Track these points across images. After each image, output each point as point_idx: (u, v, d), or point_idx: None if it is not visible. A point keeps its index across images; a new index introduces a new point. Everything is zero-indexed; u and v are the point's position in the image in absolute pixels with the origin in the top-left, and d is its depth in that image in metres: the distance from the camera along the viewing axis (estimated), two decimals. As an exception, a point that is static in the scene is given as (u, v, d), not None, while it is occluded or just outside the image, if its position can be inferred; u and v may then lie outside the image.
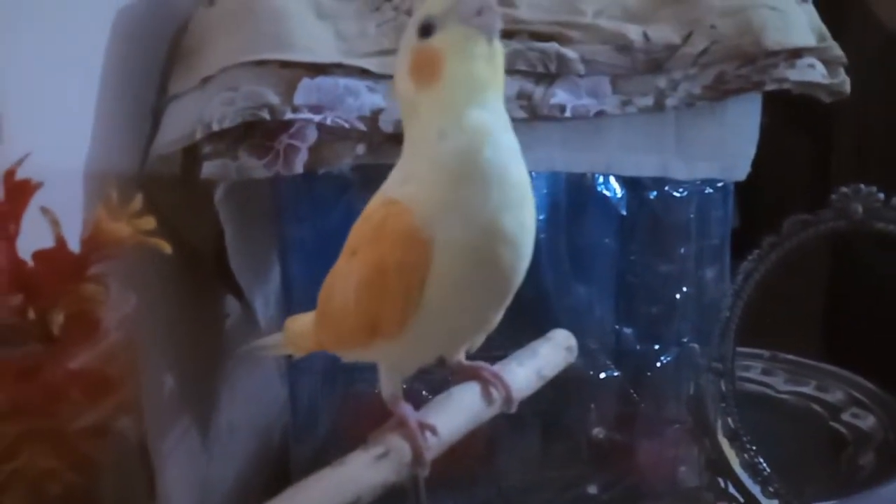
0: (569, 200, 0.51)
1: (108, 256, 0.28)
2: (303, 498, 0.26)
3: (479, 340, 0.32)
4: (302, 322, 0.35)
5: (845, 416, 0.61)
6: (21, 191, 0.27)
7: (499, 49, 0.29)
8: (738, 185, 0.51)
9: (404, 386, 0.32)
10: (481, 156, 0.28)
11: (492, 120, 0.28)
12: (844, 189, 0.48)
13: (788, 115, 0.50)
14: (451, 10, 0.28)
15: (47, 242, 0.28)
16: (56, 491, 0.26)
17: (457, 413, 0.31)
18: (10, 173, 0.27)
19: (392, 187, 0.30)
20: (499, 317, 0.31)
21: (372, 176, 0.47)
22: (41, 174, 0.28)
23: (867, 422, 0.60)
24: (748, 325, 0.51)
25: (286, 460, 0.53)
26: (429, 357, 0.32)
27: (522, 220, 0.29)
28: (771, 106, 0.49)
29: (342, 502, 0.26)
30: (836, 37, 0.49)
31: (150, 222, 0.28)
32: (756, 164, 0.49)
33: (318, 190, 0.48)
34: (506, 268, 0.29)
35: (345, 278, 0.30)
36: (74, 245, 0.29)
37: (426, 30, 0.28)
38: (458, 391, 0.32)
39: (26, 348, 0.26)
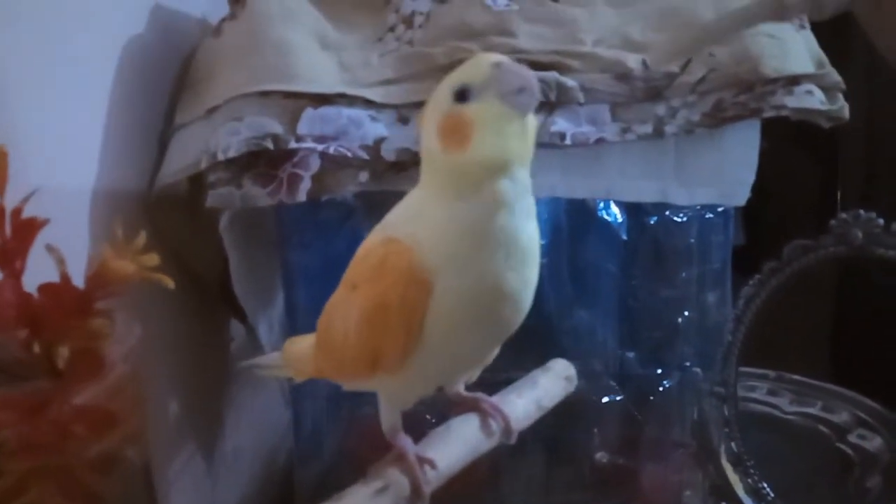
0: (570, 225, 0.51)
1: (113, 292, 0.28)
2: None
3: (476, 373, 0.33)
4: (302, 346, 0.36)
5: (852, 438, 0.60)
6: (28, 228, 0.28)
7: (532, 122, 0.29)
8: (745, 203, 0.51)
9: (409, 408, 0.32)
10: (494, 224, 0.28)
11: (511, 189, 0.28)
12: (844, 215, 0.48)
13: (795, 135, 0.50)
14: (490, 82, 0.27)
15: (51, 275, 0.29)
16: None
17: (456, 445, 0.31)
18: (16, 211, 0.28)
19: (395, 225, 0.30)
20: (495, 352, 0.32)
21: (375, 202, 0.48)
22: (47, 203, 0.29)
23: (874, 443, 0.59)
24: (754, 345, 0.51)
25: (290, 484, 0.53)
26: (428, 390, 0.32)
27: (525, 278, 0.29)
28: (778, 127, 0.49)
29: (342, 536, 0.26)
30: (842, 63, 0.49)
31: (154, 259, 0.28)
32: (763, 183, 0.50)
33: (322, 216, 0.48)
34: (504, 320, 0.29)
35: (345, 311, 0.30)
36: (79, 276, 0.29)
37: (461, 95, 0.28)
38: (456, 423, 0.32)
39: (33, 384, 0.27)
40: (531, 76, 0.28)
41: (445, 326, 0.28)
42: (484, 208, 0.28)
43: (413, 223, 0.29)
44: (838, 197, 0.82)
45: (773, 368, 0.64)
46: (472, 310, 0.28)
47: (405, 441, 0.30)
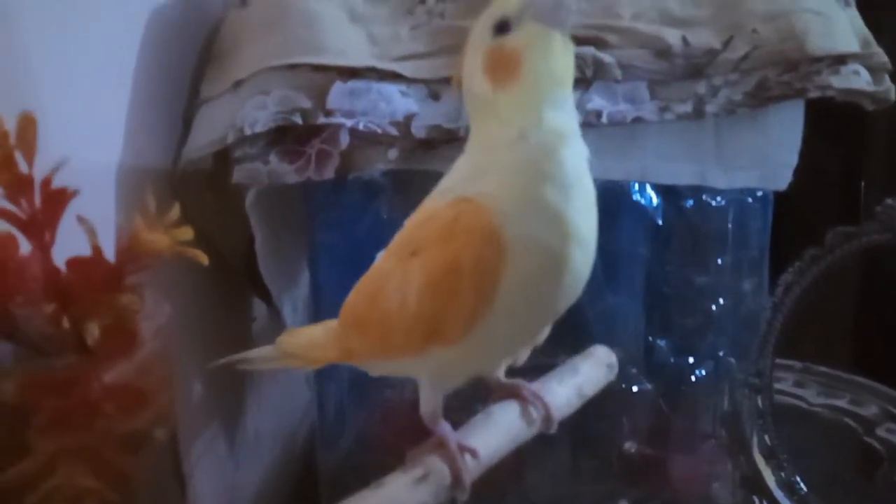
0: (602, 208, 0.50)
1: (144, 267, 0.27)
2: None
3: (525, 354, 0.31)
4: (312, 333, 0.34)
5: (880, 432, 0.59)
6: (57, 199, 0.27)
7: (570, 45, 0.28)
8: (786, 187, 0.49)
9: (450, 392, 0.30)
10: (562, 157, 0.27)
11: (569, 122, 0.28)
12: (890, 201, 0.46)
13: (818, 124, 0.48)
14: (527, 7, 0.28)
15: (80, 249, 0.28)
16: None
17: (496, 434, 0.30)
18: (46, 182, 0.27)
19: (459, 184, 0.29)
20: (548, 329, 0.31)
21: (402, 182, 0.47)
22: (74, 177, 0.28)
23: (903, 438, 0.58)
24: (784, 334, 0.49)
25: (312, 466, 0.52)
26: (481, 366, 0.31)
27: (592, 224, 0.29)
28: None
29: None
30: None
31: (187, 232, 0.27)
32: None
33: (349, 195, 0.47)
34: (576, 269, 0.28)
35: (402, 280, 0.29)
36: (106, 252, 0.28)
37: (502, 28, 0.28)
38: (497, 410, 0.31)
39: (63, 360, 0.26)
40: None
41: (518, 284, 0.27)
42: (548, 141, 0.27)
43: (478, 179, 0.28)
44: (861, 183, 0.81)
45: (799, 359, 0.63)
46: (548, 256, 0.27)
47: (446, 428, 0.29)
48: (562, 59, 0.28)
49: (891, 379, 0.60)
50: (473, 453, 0.29)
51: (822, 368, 0.63)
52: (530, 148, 0.27)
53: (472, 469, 0.28)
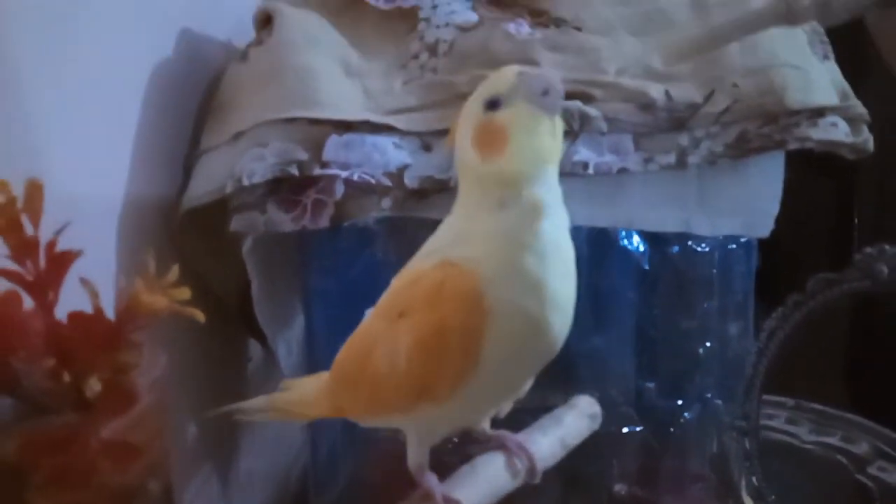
0: (591, 253, 0.51)
1: (143, 325, 0.28)
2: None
3: (508, 407, 0.32)
4: (304, 391, 0.35)
5: (872, 470, 0.59)
6: (61, 260, 0.28)
7: (559, 122, 0.30)
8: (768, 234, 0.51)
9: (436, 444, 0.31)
10: (540, 228, 0.29)
11: (548, 196, 0.29)
12: (869, 249, 0.47)
13: (812, 167, 0.50)
14: (517, 89, 0.29)
15: (80, 302, 0.29)
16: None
17: (481, 485, 0.31)
18: (51, 244, 0.28)
19: (445, 248, 0.30)
20: (531, 382, 0.32)
21: (396, 229, 0.48)
22: (77, 225, 0.29)
23: (894, 476, 0.58)
24: (773, 373, 0.50)
25: (302, 508, 0.53)
26: (467, 421, 0.32)
27: (570, 289, 0.30)
28: (794, 158, 0.49)
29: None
30: (859, 94, 0.49)
31: (185, 293, 0.29)
32: (781, 211, 0.49)
33: (343, 242, 0.48)
34: (555, 331, 0.30)
35: (391, 342, 0.30)
36: (107, 299, 0.29)
37: (493, 104, 0.30)
38: (482, 462, 0.32)
39: (62, 417, 0.27)
40: (554, 78, 0.29)
41: (502, 346, 0.28)
42: (528, 214, 0.29)
43: (462, 244, 0.30)
44: (855, 224, 0.82)
45: (792, 396, 0.63)
46: (527, 323, 0.29)
47: (432, 480, 0.30)
48: (547, 138, 0.29)
49: (885, 416, 0.61)
50: (458, 505, 0.29)
51: (815, 405, 0.64)
52: (509, 218, 0.29)
53: (456, 521, 0.29)
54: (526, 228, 0.29)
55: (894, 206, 0.78)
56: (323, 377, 0.34)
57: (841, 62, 0.50)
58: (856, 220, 0.82)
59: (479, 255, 0.29)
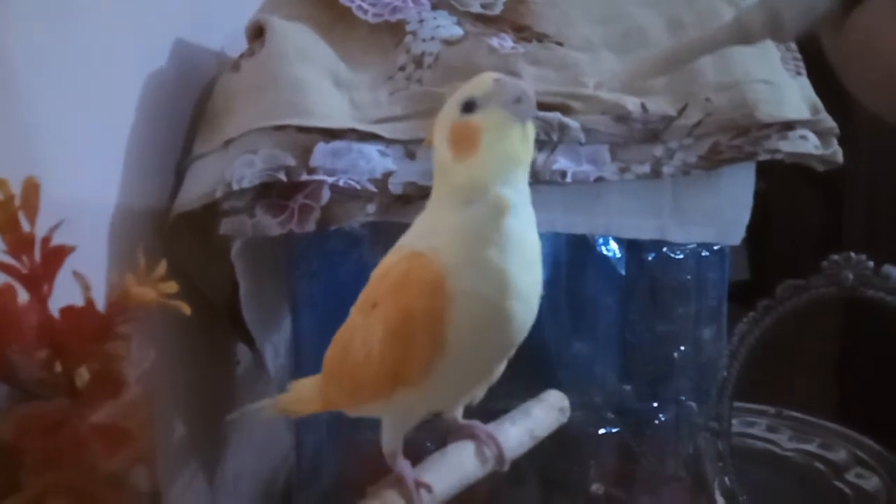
0: (570, 259, 0.53)
1: (132, 318, 0.30)
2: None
3: (481, 393, 0.34)
4: (301, 389, 0.37)
5: (849, 476, 0.60)
6: (56, 255, 0.30)
7: (531, 129, 0.32)
8: (752, 238, 0.52)
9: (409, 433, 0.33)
10: (505, 224, 0.30)
11: (514, 196, 0.31)
12: (835, 257, 0.49)
13: (803, 172, 0.51)
14: (493, 94, 0.31)
15: (74, 295, 0.30)
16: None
17: (451, 471, 0.32)
18: (46, 240, 0.29)
19: (414, 240, 0.32)
20: (501, 368, 0.33)
21: (381, 233, 0.49)
22: (71, 224, 0.30)
23: (871, 482, 0.60)
24: (755, 380, 0.52)
25: (289, 507, 0.54)
26: (441, 405, 0.33)
27: (534, 279, 0.31)
28: (787, 164, 0.51)
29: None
30: (846, 106, 0.50)
31: (173, 287, 0.30)
32: (770, 219, 0.50)
33: (330, 246, 0.50)
34: (516, 320, 0.31)
35: (365, 331, 0.32)
36: (98, 294, 0.31)
37: (468, 107, 0.31)
38: (453, 450, 0.33)
39: (55, 402, 0.28)
40: (527, 87, 0.31)
41: (466, 330, 0.30)
42: (492, 211, 0.30)
43: (430, 236, 0.31)
44: (843, 226, 0.83)
45: (777, 404, 0.64)
46: (489, 309, 0.30)
47: (404, 465, 0.31)
48: (518, 143, 0.31)
49: (867, 425, 0.62)
50: (428, 488, 0.31)
51: (795, 413, 0.65)
52: (476, 214, 0.30)
53: (426, 503, 0.31)
54: (490, 224, 0.30)
55: (882, 214, 0.80)
56: (320, 376, 0.36)
57: (828, 75, 0.52)
58: (845, 221, 0.83)
59: (444, 246, 0.30)
